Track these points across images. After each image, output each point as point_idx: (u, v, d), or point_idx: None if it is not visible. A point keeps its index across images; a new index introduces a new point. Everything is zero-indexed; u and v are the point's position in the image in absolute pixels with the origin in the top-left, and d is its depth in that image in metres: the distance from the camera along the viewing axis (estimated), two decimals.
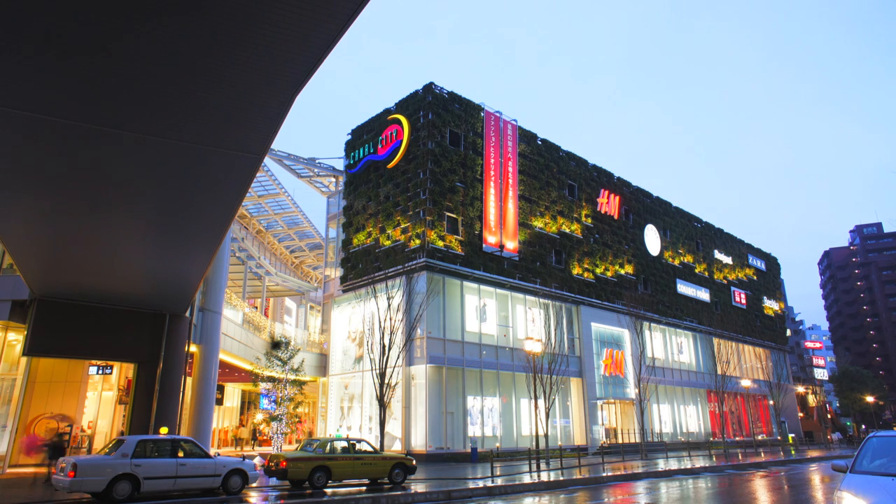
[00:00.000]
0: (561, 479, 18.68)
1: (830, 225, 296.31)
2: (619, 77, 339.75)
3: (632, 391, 37.54)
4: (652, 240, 45.31)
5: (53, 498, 12.88)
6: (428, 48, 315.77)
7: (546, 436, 25.18)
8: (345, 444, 16.55)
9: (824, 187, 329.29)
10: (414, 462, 17.32)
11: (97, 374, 24.19)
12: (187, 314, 20.39)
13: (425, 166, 30.08)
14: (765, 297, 60.87)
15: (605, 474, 20.17)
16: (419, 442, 27.00)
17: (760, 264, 61.98)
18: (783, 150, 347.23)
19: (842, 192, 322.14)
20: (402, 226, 30.41)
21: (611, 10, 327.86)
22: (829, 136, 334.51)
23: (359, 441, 17.14)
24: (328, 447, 16.08)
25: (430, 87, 31.61)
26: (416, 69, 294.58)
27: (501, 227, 32.39)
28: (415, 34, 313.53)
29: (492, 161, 32.85)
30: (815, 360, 78.01)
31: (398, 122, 32.28)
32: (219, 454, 17.55)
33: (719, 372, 40.82)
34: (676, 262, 47.66)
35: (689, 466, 24.52)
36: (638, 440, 35.82)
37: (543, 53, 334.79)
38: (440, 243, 29.29)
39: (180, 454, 13.51)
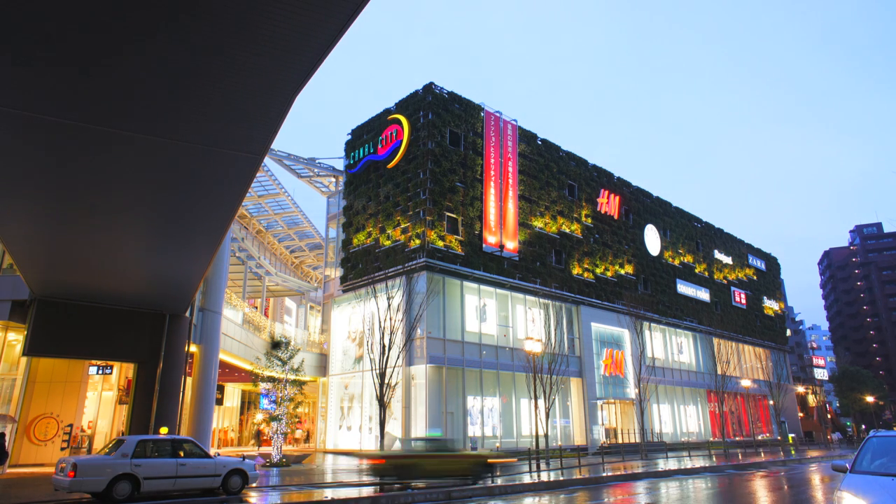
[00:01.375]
0: (561, 479, 18.67)
1: (830, 225, 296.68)
2: (609, 86, 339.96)
3: (632, 391, 37.52)
4: (652, 240, 45.30)
5: (54, 497, 12.87)
6: (428, 48, 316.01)
7: (546, 436, 25.17)
8: (435, 443, 18.24)
9: (824, 188, 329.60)
10: (494, 460, 17.65)
11: (97, 374, 24.20)
12: (187, 314, 20.38)
13: (425, 166, 30.08)
14: (765, 297, 60.86)
15: (605, 474, 20.16)
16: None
17: (760, 264, 61.97)
18: (783, 151, 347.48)
19: (842, 193, 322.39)
20: (402, 226, 30.41)
21: (592, 27, 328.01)
22: (830, 136, 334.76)
23: (451, 440, 19.16)
24: (419, 445, 17.69)
25: (430, 87, 31.61)
26: (416, 69, 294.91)
27: (501, 227, 32.39)
28: (415, 34, 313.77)
29: (492, 161, 32.84)
30: (815, 360, 78.02)
31: (398, 122, 32.28)
32: (219, 454, 17.56)
33: (719, 372, 40.83)
34: (676, 262, 47.65)
35: (689, 466, 24.51)
36: (638, 440, 35.80)
37: (525, 63, 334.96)
38: (440, 243, 29.28)
39: (181, 454, 13.47)
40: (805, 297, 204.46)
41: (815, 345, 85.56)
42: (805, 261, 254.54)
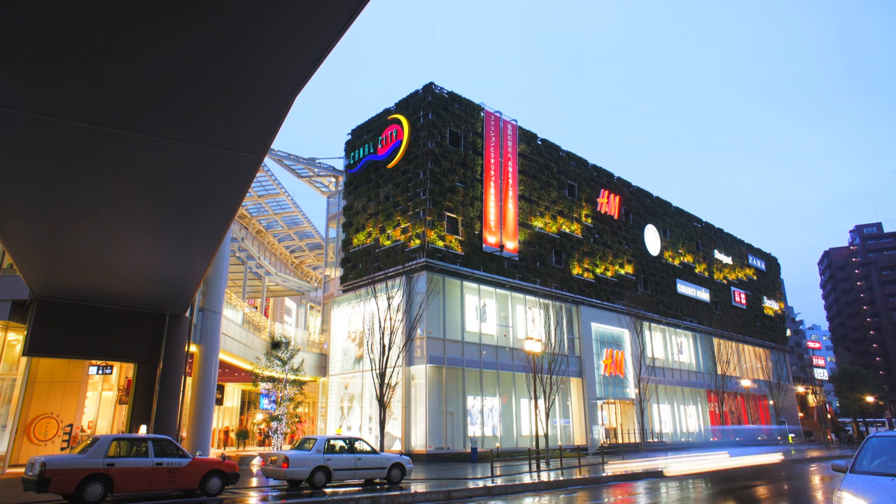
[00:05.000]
0: (561, 479, 18.67)
1: (830, 225, 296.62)
2: (607, 83, 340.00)
3: (632, 391, 37.53)
4: (652, 240, 45.30)
5: (55, 498, 12.86)
6: (429, 47, 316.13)
7: (546, 436, 25.18)
8: None
9: (824, 187, 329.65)
10: None
11: (97, 374, 24.18)
12: (187, 314, 20.38)
13: (425, 166, 30.08)
14: (765, 297, 60.86)
15: (604, 474, 20.16)
16: (419, 442, 27.00)
17: (760, 264, 61.98)
18: (782, 150, 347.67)
19: (842, 193, 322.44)
20: (402, 226, 30.41)
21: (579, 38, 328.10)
22: (830, 135, 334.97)
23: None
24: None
25: (430, 87, 31.60)
26: (416, 68, 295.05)
27: (501, 227, 32.39)
28: (415, 33, 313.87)
29: (492, 161, 32.84)
30: (815, 360, 77.95)
31: (398, 122, 32.28)
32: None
33: (719, 372, 40.85)
34: (676, 262, 47.66)
35: None
36: (638, 440, 35.83)
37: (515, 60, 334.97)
38: (440, 243, 29.28)
39: (356, 450, 16.45)
40: (805, 297, 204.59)
41: (818, 344, 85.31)
42: (805, 261, 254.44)
